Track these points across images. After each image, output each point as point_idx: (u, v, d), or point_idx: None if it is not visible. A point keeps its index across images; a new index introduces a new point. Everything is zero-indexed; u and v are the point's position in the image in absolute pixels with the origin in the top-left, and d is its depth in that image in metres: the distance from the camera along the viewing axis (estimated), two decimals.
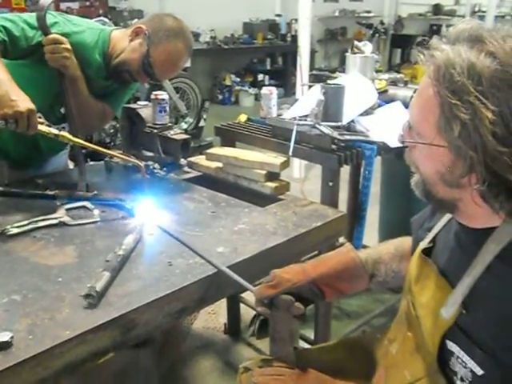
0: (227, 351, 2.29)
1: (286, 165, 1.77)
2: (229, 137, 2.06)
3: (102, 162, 2.01)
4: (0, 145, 1.73)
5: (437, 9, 11.65)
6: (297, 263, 1.16)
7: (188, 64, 7.51)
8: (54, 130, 1.45)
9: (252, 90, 7.88)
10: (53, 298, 1.11)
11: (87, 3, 5.85)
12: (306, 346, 1.86)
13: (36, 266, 1.25)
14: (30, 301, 1.10)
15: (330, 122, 1.76)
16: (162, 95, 1.99)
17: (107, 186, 1.81)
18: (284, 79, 8.27)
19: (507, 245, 0.79)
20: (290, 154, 1.72)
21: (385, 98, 2.15)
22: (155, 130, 1.98)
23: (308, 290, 1.09)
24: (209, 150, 1.91)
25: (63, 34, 1.54)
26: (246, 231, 1.46)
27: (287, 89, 7.77)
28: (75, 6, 5.79)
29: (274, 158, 1.78)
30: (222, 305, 2.43)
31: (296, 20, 6.55)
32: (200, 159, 2.01)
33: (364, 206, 1.79)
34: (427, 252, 0.98)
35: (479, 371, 0.80)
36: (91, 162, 2.14)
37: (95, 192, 1.68)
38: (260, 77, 8.32)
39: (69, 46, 1.53)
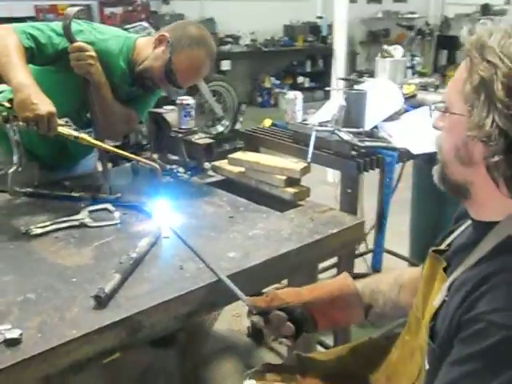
0: (249, 354, 2.30)
1: (306, 170, 1.77)
2: (252, 142, 2.07)
3: (129, 165, 2.07)
4: (31, 148, 1.80)
5: (486, 9, 11.28)
6: (311, 269, 1.16)
7: (228, 67, 7.58)
8: (73, 132, 1.51)
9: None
10: (65, 298, 1.15)
11: (130, 8, 6.00)
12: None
13: (53, 266, 1.30)
14: (43, 300, 1.15)
15: (351, 128, 1.74)
16: (188, 100, 2.03)
17: (131, 188, 1.85)
18: (324, 82, 8.18)
19: (505, 238, 0.80)
20: (309, 159, 1.71)
21: (413, 103, 2.11)
22: (180, 135, 2.02)
23: (300, 313, 1.09)
24: (231, 155, 1.93)
25: (88, 42, 1.60)
26: (260, 236, 1.47)
27: (327, 91, 7.71)
28: (118, 11, 5.95)
29: (294, 164, 1.78)
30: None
31: None
32: (223, 163, 2.03)
33: (384, 213, 1.76)
34: (440, 254, 0.98)
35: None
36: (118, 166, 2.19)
37: (118, 194, 1.73)
38: (300, 79, 8.30)
39: (93, 53, 1.58)
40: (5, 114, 1.47)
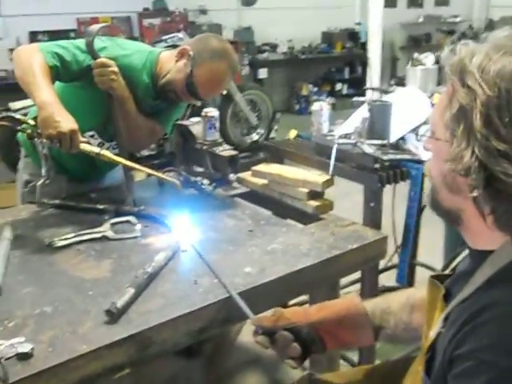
0: (275, 368, 2.28)
1: (329, 183, 1.74)
2: (276, 153, 2.06)
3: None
4: (60, 161, 1.85)
5: None
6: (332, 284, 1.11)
7: (265, 75, 7.53)
8: (95, 149, 1.53)
9: (329, 100, 7.78)
10: (79, 312, 1.17)
11: (168, 19, 6.11)
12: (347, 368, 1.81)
13: (72, 279, 1.33)
14: (58, 313, 1.17)
15: (375, 140, 1.70)
16: (212, 112, 2.04)
17: (156, 200, 1.86)
18: (363, 88, 8.11)
19: (500, 269, 0.76)
20: (330, 172, 1.69)
21: None
22: (205, 147, 2.03)
23: (306, 334, 1.07)
24: (254, 167, 1.92)
25: (111, 58, 1.63)
26: (278, 251, 1.46)
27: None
28: (157, 21, 6.07)
29: (317, 176, 1.76)
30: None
31: None
32: (248, 175, 2.02)
33: (409, 227, 1.71)
34: (443, 279, 0.94)
35: None
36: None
37: (142, 207, 1.75)
38: (338, 86, 8.23)
39: (116, 69, 1.61)
40: (29, 131, 1.51)
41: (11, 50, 5.27)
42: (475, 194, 0.74)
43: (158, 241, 1.55)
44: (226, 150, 2.01)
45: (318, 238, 1.53)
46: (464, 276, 0.84)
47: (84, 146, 1.52)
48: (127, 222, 1.67)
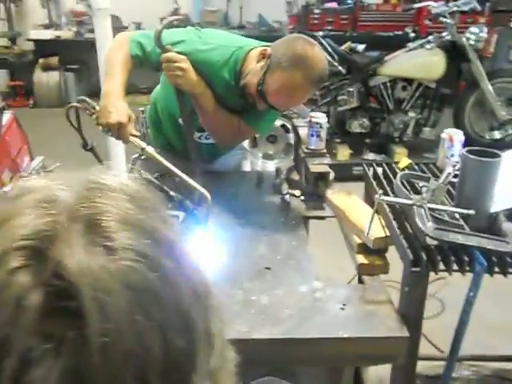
0: None
1: (387, 242, 1.39)
2: (367, 184, 1.70)
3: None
4: (167, 136, 1.93)
5: None
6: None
7: None
8: (142, 144, 1.54)
9: None
10: None
11: None
12: None
13: None
14: None
15: (458, 208, 1.24)
16: (319, 118, 1.81)
17: (231, 201, 1.79)
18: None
19: None
20: (366, 234, 1.33)
21: None
22: (303, 154, 1.84)
23: None
24: (331, 194, 1.65)
25: (184, 52, 1.56)
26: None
27: None
28: None
29: (378, 228, 1.42)
30: None
31: None
32: (338, 194, 1.72)
33: (458, 337, 1.21)
34: None
35: None
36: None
37: (204, 204, 1.70)
38: None
39: (183, 65, 1.54)
40: (95, 116, 1.59)
41: None
42: None
43: None
44: (320, 165, 1.79)
45: (323, 307, 1.26)
46: None
47: (133, 139, 1.55)
48: (176, 217, 1.67)
